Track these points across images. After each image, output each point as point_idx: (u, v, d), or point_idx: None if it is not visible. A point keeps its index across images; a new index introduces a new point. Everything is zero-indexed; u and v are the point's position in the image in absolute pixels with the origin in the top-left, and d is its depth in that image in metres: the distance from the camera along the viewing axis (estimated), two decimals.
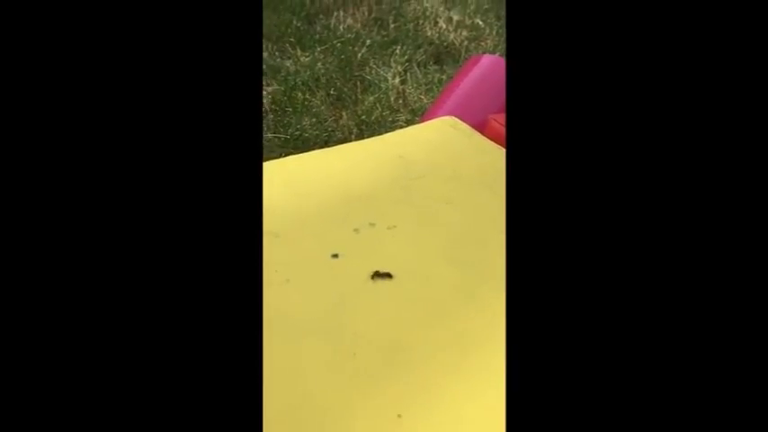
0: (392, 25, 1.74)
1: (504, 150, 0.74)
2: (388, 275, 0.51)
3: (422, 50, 1.64)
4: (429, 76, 1.54)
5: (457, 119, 0.79)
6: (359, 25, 1.73)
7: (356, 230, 0.56)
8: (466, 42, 1.71)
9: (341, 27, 1.71)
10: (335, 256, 0.53)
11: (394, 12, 1.80)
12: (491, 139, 0.76)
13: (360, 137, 1.30)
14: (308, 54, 1.56)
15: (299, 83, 1.44)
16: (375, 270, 0.52)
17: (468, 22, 1.80)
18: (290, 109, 1.37)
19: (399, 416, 0.40)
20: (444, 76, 1.54)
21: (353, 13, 1.78)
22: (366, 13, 1.78)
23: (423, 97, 1.47)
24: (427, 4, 1.84)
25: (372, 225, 0.57)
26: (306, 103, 1.40)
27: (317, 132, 1.32)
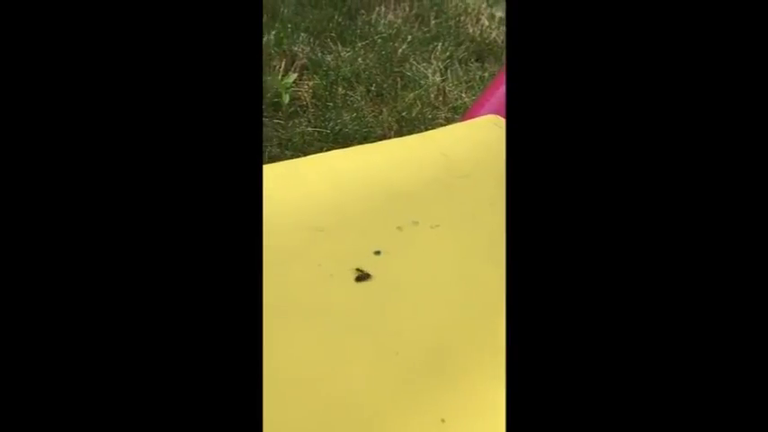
0: (433, 21, 1.72)
1: None
2: (367, 276, 0.50)
3: (463, 47, 1.62)
4: (470, 73, 1.52)
5: (501, 118, 0.78)
6: (400, 21, 1.72)
7: (399, 228, 0.56)
8: None
9: (382, 23, 1.70)
10: (378, 253, 0.53)
11: (435, 8, 1.78)
12: None
13: (399, 133, 1.29)
14: (348, 49, 1.55)
15: (340, 78, 1.44)
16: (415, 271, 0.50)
17: None
18: (331, 104, 1.37)
19: (443, 420, 0.39)
20: (486, 74, 1.52)
21: (395, 9, 1.76)
22: (407, 9, 1.77)
23: (463, 95, 1.45)
24: (469, 1, 1.82)
25: (416, 223, 0.57)
26: (346, 98, 1.39)
27: (356, 128, 1.31)
